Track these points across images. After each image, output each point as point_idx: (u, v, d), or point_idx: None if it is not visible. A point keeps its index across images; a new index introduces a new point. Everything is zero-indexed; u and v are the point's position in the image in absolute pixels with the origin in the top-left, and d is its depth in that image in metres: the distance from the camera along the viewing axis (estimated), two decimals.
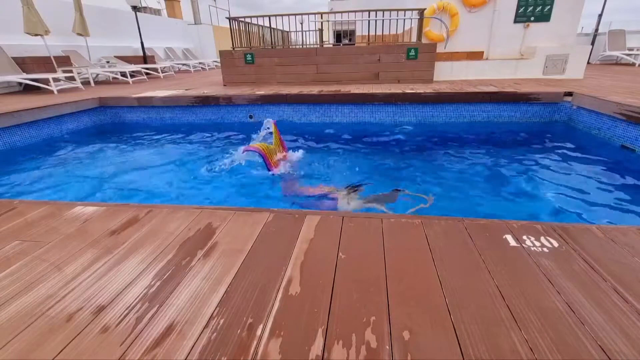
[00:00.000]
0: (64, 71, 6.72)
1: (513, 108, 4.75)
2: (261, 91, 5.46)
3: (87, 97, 5.19)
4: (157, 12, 18.35)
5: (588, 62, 8.16)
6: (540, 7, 6.25)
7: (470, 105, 4.82)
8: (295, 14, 6.63)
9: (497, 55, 6.68)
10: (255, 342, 0.92)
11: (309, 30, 7.49)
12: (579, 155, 3.57)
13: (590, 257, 1.26)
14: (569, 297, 1.06)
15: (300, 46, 7.24)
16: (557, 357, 0.86)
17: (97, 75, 8.16)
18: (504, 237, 1.40)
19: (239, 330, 0.97)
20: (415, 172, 3.36)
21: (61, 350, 0.91)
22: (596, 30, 10.77)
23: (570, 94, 4.49)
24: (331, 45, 7.95)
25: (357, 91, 5.11)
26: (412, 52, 6.03)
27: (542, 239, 1.38)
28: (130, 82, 7.79)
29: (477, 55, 6.78)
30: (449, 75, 6.51)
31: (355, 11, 6.49)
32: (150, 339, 0.94)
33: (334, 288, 1.13)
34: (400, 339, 0.93)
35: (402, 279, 1.17)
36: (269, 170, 3.10)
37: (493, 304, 1.04)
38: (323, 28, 7.14)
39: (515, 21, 6.44)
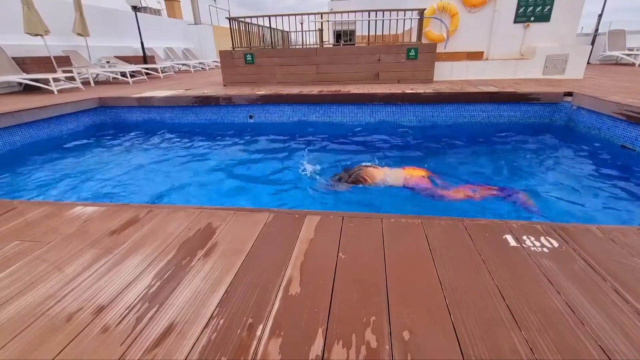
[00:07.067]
0: (64, 71, 6.72)
1: (513, 108, 4.75)
2: (261, 91, 5.46)
3: (87, 97, 5.19)
4: (157, 12, 18.32)
5: (588, 62, 8.16)
6: (540, 7, 6.25)
7: (470, 106, 4.82)
8: (295, 14, 6.62)
9: (497, 55, 6.67)
10: (255, 342, 0.92)
11: (309, 30, 7.48)
12: (579, 155, 3.57)
13: (590, 257, 1.26)
14: (569, 297, 1.06)
15: (300, 46, 7.23)
16: (557, 357, 0.86)
17: (97, 75, 8.16)
18: (504, 237, 1.40)
19: (239, 330, 0.96)
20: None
21: (61, 350, 0.91)
22: (596, 30, 10.76)
23: (570, 94, 4.48)
24: (331, 45, 7.94)
25: (357, 91, 5.11)
26: (412, 52, 6.03)
27: (542, 239, 1.38)
28: (130, 82, 7.78)
29: (477, 56, 6.77)
30: (449, 75, 6.50)
31: (355, 11, 6.48)
32: (151, 339, 0.94)
33: (334, 288, 1.13)
34: (400, 339, 0.92)
35: (402, 279, 1.17)
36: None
37: (493, 304, 1.04)
38: (323, 28, 7.14)
39: (515, 21, 6.43)
